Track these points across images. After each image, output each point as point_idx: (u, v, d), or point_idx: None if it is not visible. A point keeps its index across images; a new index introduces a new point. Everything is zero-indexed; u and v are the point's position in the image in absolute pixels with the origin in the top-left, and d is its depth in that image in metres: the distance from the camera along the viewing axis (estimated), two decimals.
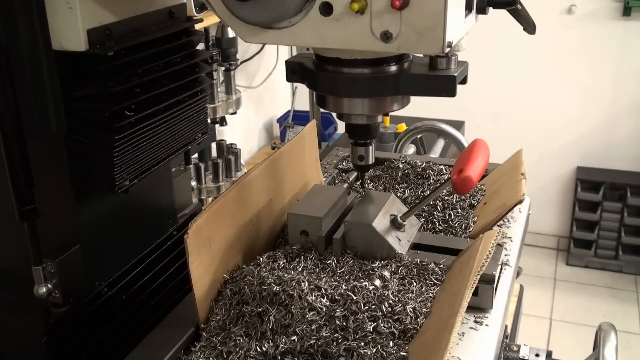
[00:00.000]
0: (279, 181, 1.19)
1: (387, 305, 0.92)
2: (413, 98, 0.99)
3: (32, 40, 0.79)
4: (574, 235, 3.83)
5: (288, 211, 1.11)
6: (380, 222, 1.06)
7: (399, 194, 1.32)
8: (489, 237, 0.97)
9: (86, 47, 0.85)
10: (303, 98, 3.46)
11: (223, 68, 2.37)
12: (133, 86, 0.91)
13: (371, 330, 0.89)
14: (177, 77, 1.00)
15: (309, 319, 0.90)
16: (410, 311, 0.92)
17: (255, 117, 3.60)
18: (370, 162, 1.07)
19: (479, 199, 1.29)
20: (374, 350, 0.86)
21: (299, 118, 3.46)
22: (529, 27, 1.01)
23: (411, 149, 2.17)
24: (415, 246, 1.10)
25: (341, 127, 3.47)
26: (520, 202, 1.12)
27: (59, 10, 0.83)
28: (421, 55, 0.95)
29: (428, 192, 1.32)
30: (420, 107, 1.92)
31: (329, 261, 1.04)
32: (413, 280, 1.01)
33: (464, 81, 0.94)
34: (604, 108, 3.69)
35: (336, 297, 0.93)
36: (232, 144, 2.41)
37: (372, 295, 0.93)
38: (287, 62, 0.98)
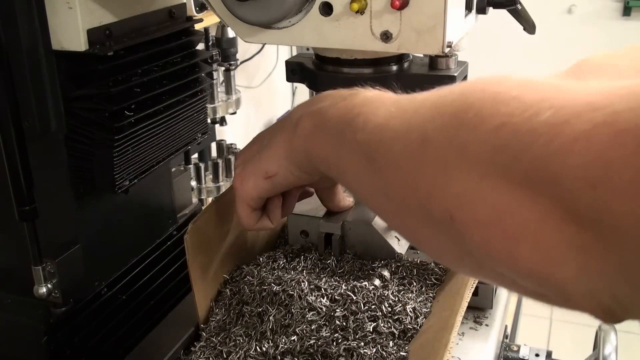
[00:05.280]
0: None
1: (387, 305, 0.92)
2: None
3: (32, 40, 0.79)
4: None
5: None
6: (380, 222, 1.06)
7: None
8: None
9: (86, 47, 0.85)
10: (303, 98, 3.46)
11: (223, 68, 2.37)
12: (133, 86, 0.91)
13: (371, 330, 0.89)
14: (177, 77, 1.00)
15: (309, 319, 0.90)
16: (410, 311, 0.92)
17: (255, 117, 3.60)
18: None
19: None
20: (374, 350, 0.86)
21: None
22: (529, 27, 1.01)
23: None
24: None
25: None
26: None
27: (59, 10, 0.83)
28: (421, 55, 0.95)
29: None
30: None
31: (329, 261, 1.04)
32: (413, 280, 1.00)
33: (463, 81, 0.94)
34: None
35: (336, 297, 0.93)
36: (232, 144, 2.41)
37: (372, 295, 0.93)
38: (287, 62, 0.98)
